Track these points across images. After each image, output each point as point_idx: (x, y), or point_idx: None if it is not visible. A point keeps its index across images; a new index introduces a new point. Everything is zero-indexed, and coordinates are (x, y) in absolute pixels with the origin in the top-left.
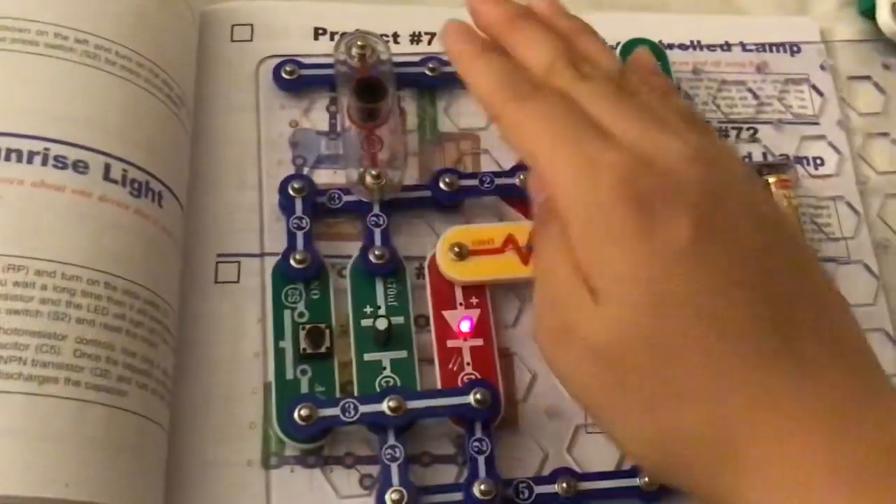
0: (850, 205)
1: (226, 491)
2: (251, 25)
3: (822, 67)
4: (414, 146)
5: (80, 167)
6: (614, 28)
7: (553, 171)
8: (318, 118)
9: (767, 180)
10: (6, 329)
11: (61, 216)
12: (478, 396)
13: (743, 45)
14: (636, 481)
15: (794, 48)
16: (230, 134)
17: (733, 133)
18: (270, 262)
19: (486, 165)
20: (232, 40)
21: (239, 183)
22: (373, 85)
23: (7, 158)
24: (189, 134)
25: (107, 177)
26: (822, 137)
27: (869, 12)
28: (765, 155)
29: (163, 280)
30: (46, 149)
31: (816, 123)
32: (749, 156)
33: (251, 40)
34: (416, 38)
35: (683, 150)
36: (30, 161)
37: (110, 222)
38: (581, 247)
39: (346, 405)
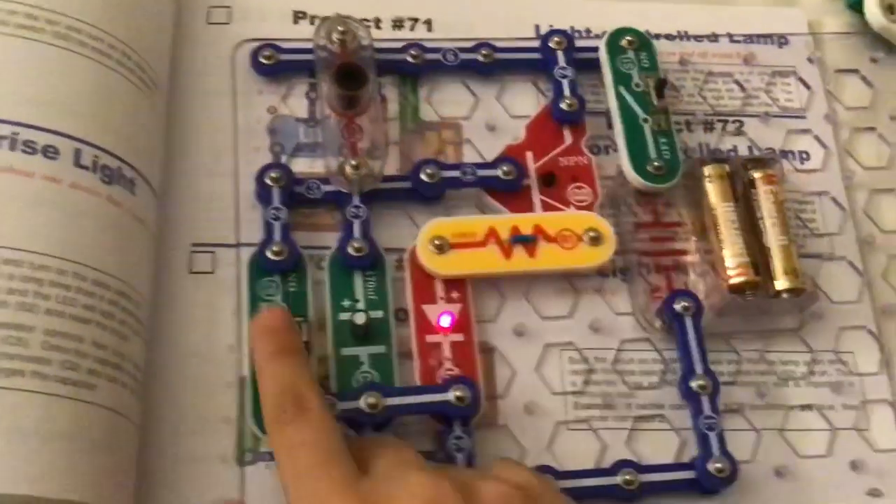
0: (835, 200)
1: (199, 487)
2: (229, 8)
3: (810, 60)
4: (395, 135)
5: (49, 152)
6: (600, 17)
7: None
8: (297, 105)
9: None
10: None
11: (30, 203)
12: (458, 394)
13: (730, 36)
14: (616, 479)
15: (782, 40)
16: (205, 120)
17: (719, 126)
18: (246, 253)
19: (469, 155)
20: (208, 22)
21: (214, 170)
22: (353, 72)
23: None
24: (163, 119)
25: (77, 163)
26: (808, 131)
27: (856, 5)
28: (750, 149)
29: (135, 270)
30: (15, 133)
31: (803, 117)
32: (734, 149)
33: (228, 23)
34: (398, 23)
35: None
36: None
37: (81, 210)
38: None
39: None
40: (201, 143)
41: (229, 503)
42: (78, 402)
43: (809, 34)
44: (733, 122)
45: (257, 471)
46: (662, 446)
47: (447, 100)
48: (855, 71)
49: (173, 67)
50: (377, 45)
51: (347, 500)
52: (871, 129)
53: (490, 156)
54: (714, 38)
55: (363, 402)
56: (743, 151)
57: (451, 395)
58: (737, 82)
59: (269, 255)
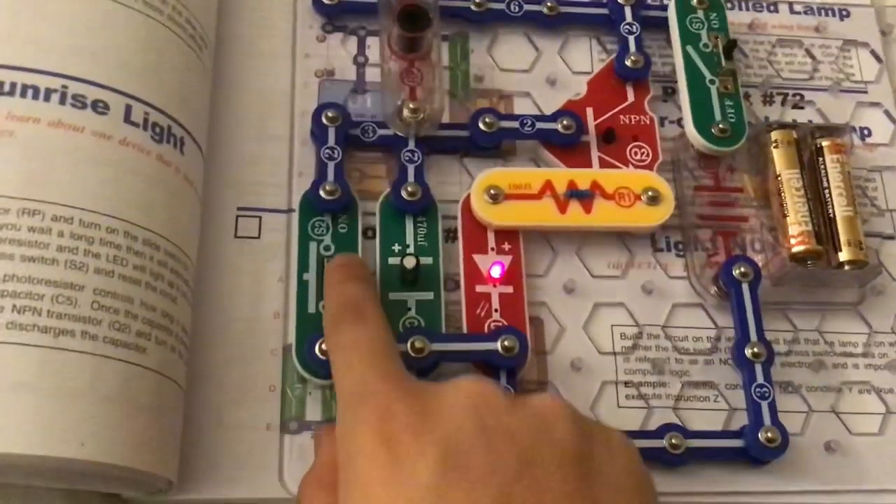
0: None
1: (242, 455)
2: None
3: (883, 32)
4: (446, 84)
5: (99, 107)
6: None
7: (338, 394)
8: (346, 69)
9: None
10: (20, 277)
11: (79, 159)
12: (506, 343)
13: (791, 6)
14: (662, 442)
15: (844, 12)
16: (252, 82)
17: (779, 98)
18: (295, 220)
19: (527, 110)
20: None
21: (260, 134)
22: (416, 13)
23: (23, 94)
24: (210, 79)
25: (127, 119)
26: (878, 105)
27: None
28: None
29: (183, 231)
30: (64, 86)
31: (866, 91)
32: (794, 122)
33: None
34: None
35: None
36: (47, 98)
37: (131, 168)
38: (342, 489)
39: None
40: (247, 106)
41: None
42: (128, 364)
43: (871, 6)
44: (793, 94)
45: (302, 439)
46: (710, 414)
47: (508, 52)
48: None
49: (219, 27)
50: None
51: (393, 390)
52: None
53: (549, 111)
54: (774, 7)
55: (409, 346)
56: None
57: (499, 345)
58: (808, 52)
59: (321, 193)
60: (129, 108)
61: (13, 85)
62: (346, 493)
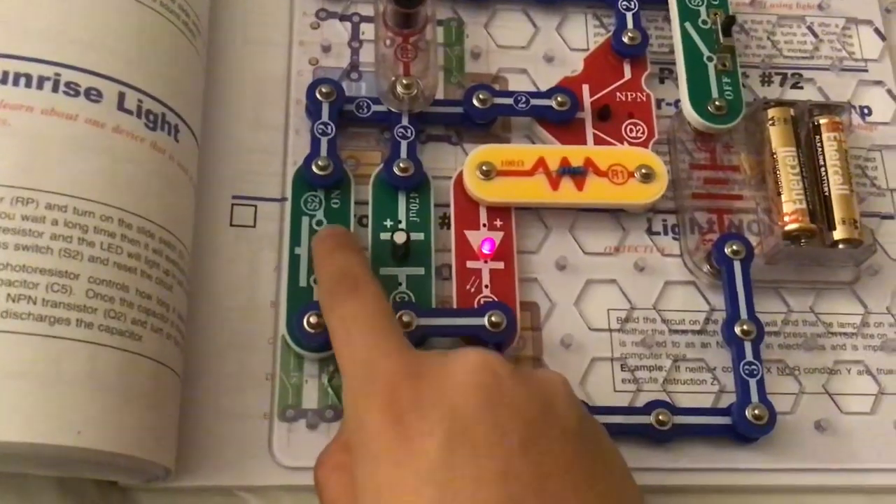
0: None
1: (238, 443)
2: None
3: (888, 10)
4: (441, 60)
5: (92, 95)
6: None
7: (342, 370)
8: (341, 55)
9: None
10: (14, 266)
11: (73, 147)
12: (493, 318)
13: None
14: (649, 418)
15: None
16: (246, 69)
17: (777, 78)
18: (289, 208)
19: (524, 87)
20: None
21: (255, 122)
22: None
23: (15, 83)
24: (204, 66)
25: (121, 106)
26: (880, 83)
27: None
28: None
29: (178, 219)
30: (58, 74)
31: (867, 70)
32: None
33: None
34: None
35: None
36: (40, 86)
37: (125, 155)
38: (354, 469)
39: None
40: (241, 94)
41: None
42: (123, 353)
43: None
44: (793, 74)
45: (298, 427)
46: (699, 392)
47: (506, 28)
48: None
49: (213, 14)
50: None
51: (397, 367)
52: None
53: (546, 87)
54: None
55: (398, 321)
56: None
57: (486, 320)
58: (810, 29)
59: (314, 169)
60: (122, 96)
61: (5, 73)
62: (357, 471)
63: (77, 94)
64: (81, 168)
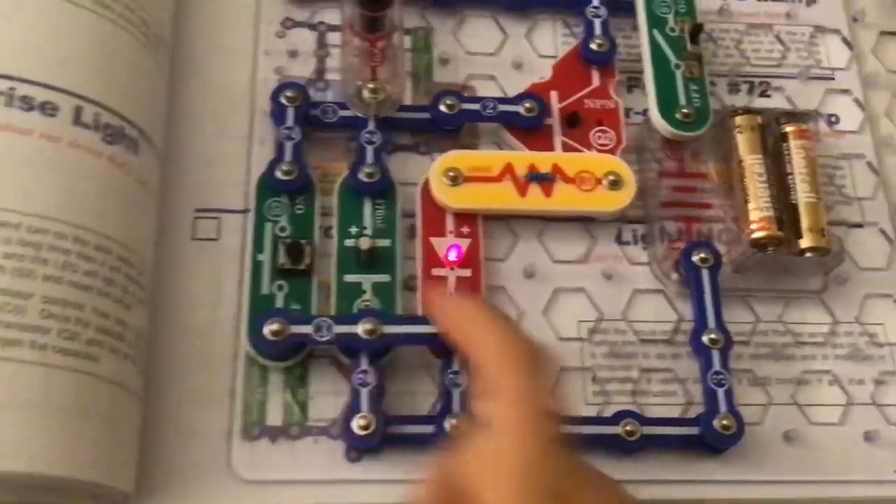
0: (869, 164)
1: (202, 462)
2: None
3: (855, 19)
4: (409, 68)
5: (48, 109)
6: None
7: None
8: (306, 64)
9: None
10: None
11: (27, 163)
12: None
13: None
14: (617, 429)
15: None
16: (210, 78)
17: (745, 87)
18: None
19: (492, 93)
20: None
21: (219, 132)
22: None
23: None
24: (166, 77)
25: (77, 121)
26: (847, 92)
27: None
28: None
29: (137, 235)
30: (11, 88)
31: (833, 78)
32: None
33: None
34: None
35: None
36: None
37: (81, 171)
38: None
39: (320, 324)
40: (205, 104)
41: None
42: (79, 374)
43: None
44: (760, 83)
45: (262, 446)
46: (668, 402)
47: (475, 35)
48: None
49: (177, 25)
50: None
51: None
52: None
53: (514, 94)
54: None
55: (360, 328)
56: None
57: None
58: (778, 38)
59: (278, 174)
60: (79, 110)
61: None
62: None
63: (32, 108)
64: (36, 184)
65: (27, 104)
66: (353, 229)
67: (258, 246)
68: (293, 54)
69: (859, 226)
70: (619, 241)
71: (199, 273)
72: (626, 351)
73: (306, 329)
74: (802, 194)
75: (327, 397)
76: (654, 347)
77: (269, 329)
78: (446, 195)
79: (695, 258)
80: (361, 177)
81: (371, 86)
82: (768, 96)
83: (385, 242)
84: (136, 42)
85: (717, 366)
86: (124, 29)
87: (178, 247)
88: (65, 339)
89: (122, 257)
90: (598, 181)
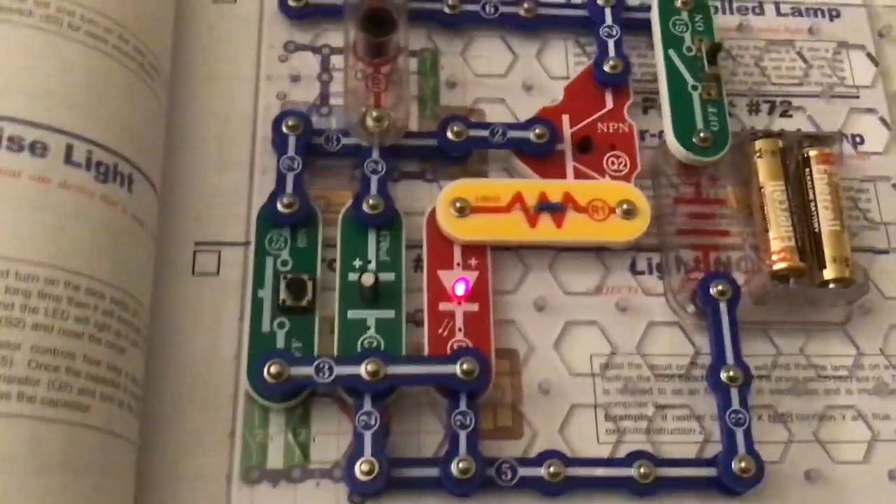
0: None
1: None
2: None
3: (881, 34)
4: (415, 91)
5: (38, 149)
6: None
7: None
8: (309, 88)
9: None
10: None
11: (16, 207)
12: (465, 366)
13: (777, 7)
14: (630, 471)
15: (834, 12)
16: (210, 108)
17: (766, 107)
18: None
19: (503, 116)
20: (214, 1)
21: (219, 162)
22: (381, 17)
23: None
24: (164, 108)
25: (69, 160)
26: (873, 111)
27: None
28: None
29: (133, 275)
30: None
31: (858, 97)
32: (781, 130)
33: (235, 2)
34: None
35: None
36: None
37: (72, 212)
38: None
39: (321, 364)
40: (206, 134)
41: None
42: (69, 426)
43: (863, 5)
44: (781, 102)
45: (264, 490)
46: (685, 440)
47: (484, 56)
48: None
49: (176, 50)
50: None
51: None
52: None
53: (525, 117)
54: (760, 9)
55: (363, 369)
56: (806, 129)
57: (458, 368)
58: (800, 54)
59: (279, 206)
60: (70, 148)
61: None
62: None
63: (21, 149)
64: (25, 229)
65: (16, 145)
66: (357, 262)
67: (259, 281)
68: (296, 79)
69: (885, 252)
70: (634, 270)
71: (199, 309)
72: (641, 387)
73: (307, 370)
74: (826, 222)
75: (330, 437)
76: (669, 383)
77: (268, 371)
78: (454, 227)
79: (713, 290)
80: (365, 208)
81: (375, 113)
82: (790, 116)
83: (389, 276)
84: (130, 74)
85: (735, 404)
86: (118, 61)
87: (177, 282)
88: (55, 389)
89: (115, 300)
90: (612, 210)
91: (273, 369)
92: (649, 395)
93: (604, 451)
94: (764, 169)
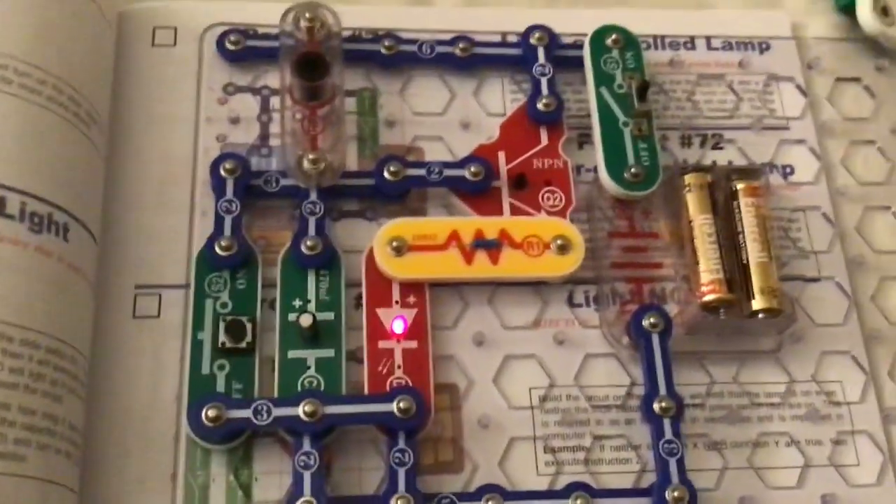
0: (825, 216)
1: None
2: (174, 28)
3: (810, 66)
4: (355, 131)
5: None
6: (579, 24)
7: None
8: (249, 130)
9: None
10: None
11: None
12: (401, 405)
13: (708, 42)
14: (568, 503)
15: (763, 45)
16: (150, 150)
17: (697, 140)
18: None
19: (441, 154)
20: (153, 45)
21: (160, 205)
22: (315, 61)
23: None
24: (102, 155)
25: (2, 212)
26: (802, 142)
27: (847, 8)
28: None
29: (69, 323)
30: None
31: (788, 128)
32: (713, 163)
33: (174, 45)
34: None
35: None
36: None
37: (7, 264)
38: None
39: (259, 407)
40: (146, 177)
41: None
42: (7, 476)
43: (792, 38)
44: (713, 135)
45: None
46: (622, 470)
47: (422, 95)
48: (857, 80)
49: (115, 95)
50: (348, 34)
51: None
52: (871, 142)
53: (463, 154)
54: (691, 44)
55: (301, 410)
56: (736, 161)
57: (395, 406)
58: (730, 87)
59: (217, 249)
60: (3, 200)
61: None
62: None
63: None
64: None
65: None
66: (297, 303)
67: (198, 324)
68: (235, 120)
69: (815, 280)
70: (571, 303)
71: (141, 352)
72: (579, 418)
73: (245, 413)
74: (753, 254)
75: (273, 477)
76: (606, 413)
77: (206, 415)
78: (391, 266)
79: (645, 323)
80: (303, 249)
81: (311, 156)
82: (721, 148)
83: (329, 315)
84: (66, 123)
85: (668, 434)
86: (53, 112)
87: (118, 326)
88: None
89: (51, 349)
90: (546, 246)
91: (210, 413)
92: (587, 427)
93: (543, 483)
94: (693, 203)
